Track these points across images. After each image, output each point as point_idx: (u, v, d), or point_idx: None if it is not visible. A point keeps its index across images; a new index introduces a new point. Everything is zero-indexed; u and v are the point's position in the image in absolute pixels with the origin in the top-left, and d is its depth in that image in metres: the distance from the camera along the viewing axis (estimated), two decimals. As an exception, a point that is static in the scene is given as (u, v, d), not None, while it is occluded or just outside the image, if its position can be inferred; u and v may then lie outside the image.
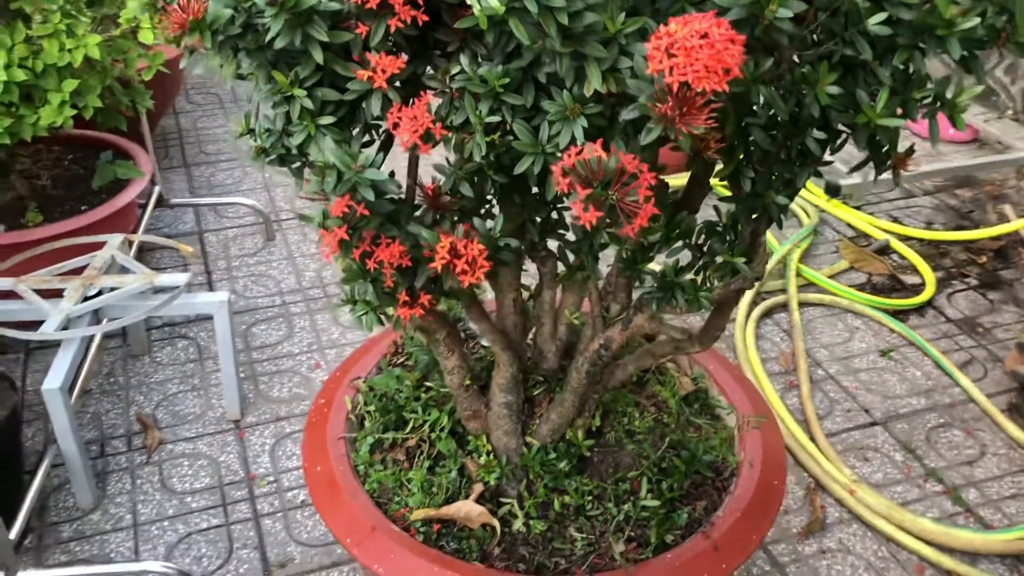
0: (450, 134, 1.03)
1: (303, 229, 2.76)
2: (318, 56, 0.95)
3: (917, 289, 2.52)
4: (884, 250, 2.68)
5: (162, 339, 2.30)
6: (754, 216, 1.23)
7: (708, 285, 1.26)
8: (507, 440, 1.45)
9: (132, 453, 1.97)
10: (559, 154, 0.92)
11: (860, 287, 2.51)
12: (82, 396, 2.10)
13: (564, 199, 1.36)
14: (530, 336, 1.54)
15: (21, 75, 1.90)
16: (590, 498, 1.41)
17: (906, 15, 0.88)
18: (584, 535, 1.38)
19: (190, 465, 1.95)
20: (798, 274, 2.53)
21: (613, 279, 1.39)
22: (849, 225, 2.81)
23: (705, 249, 1.27)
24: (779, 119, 1.06)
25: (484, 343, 1.70)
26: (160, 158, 3.12)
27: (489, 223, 1.10)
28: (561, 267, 1.41)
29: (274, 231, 2.74)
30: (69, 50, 1.94)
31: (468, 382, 1.42)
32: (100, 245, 1.99)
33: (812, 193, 2.91)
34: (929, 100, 0.98)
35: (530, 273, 1.41)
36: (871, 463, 1.97)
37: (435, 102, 1.00)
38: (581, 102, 0.94)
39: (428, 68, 1.07)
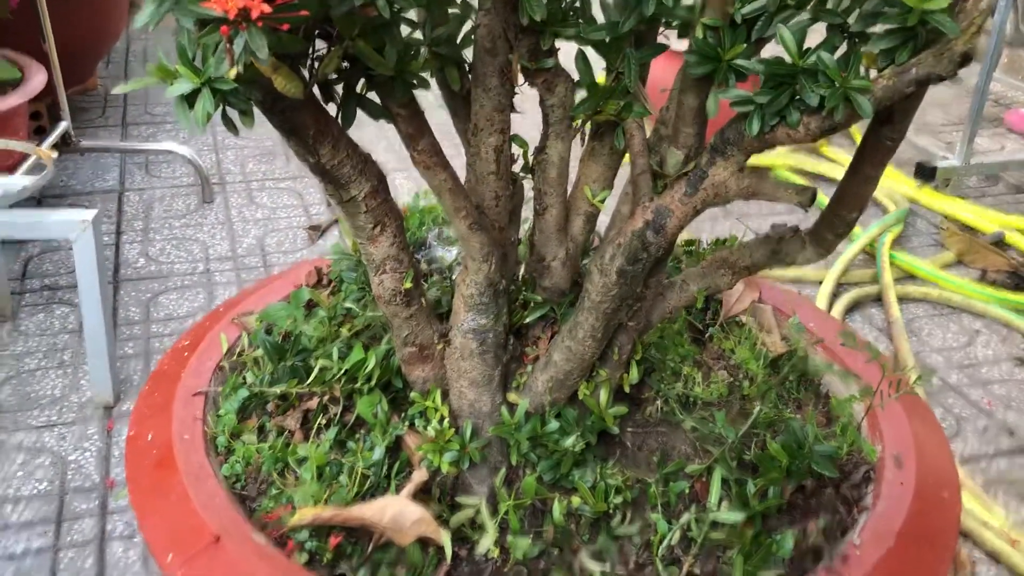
0: None
1: (250, 192, 2.17)
2: None
3: (1050, 289, 1.90)
4: (999, 243, 2.06)
5: (35, 304, 1.70)
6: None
7: (863, 73, 0.66)
8: (475, 397, 0.83)
9: (-56, 444, 1.35)
10: None
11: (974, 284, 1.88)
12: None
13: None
14: (523, 232, 0.93)
15: None
16: (619, 501, 0.78)
17: None
18: (607, 568, 0.74)
19: (24, 463, 1.33)
20: (893, 263, 1.91)
21: (671, 109, 0.79)
22: (946, 217, 2.20)
23: (855, 16, 0.67)
24: None
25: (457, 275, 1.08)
26: (92, 117, 2.56)
27: None
28: (580, 95, 0.82)
29: (213, 193, 2.15)
30: None
31: (409, 285, 0.80)
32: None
33: (898, 180, 2.31)
34: None
35: (526, 116, 0.82)
36: (1032, 503, 1.32)
37: None
38: None
39: None
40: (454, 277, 1.07)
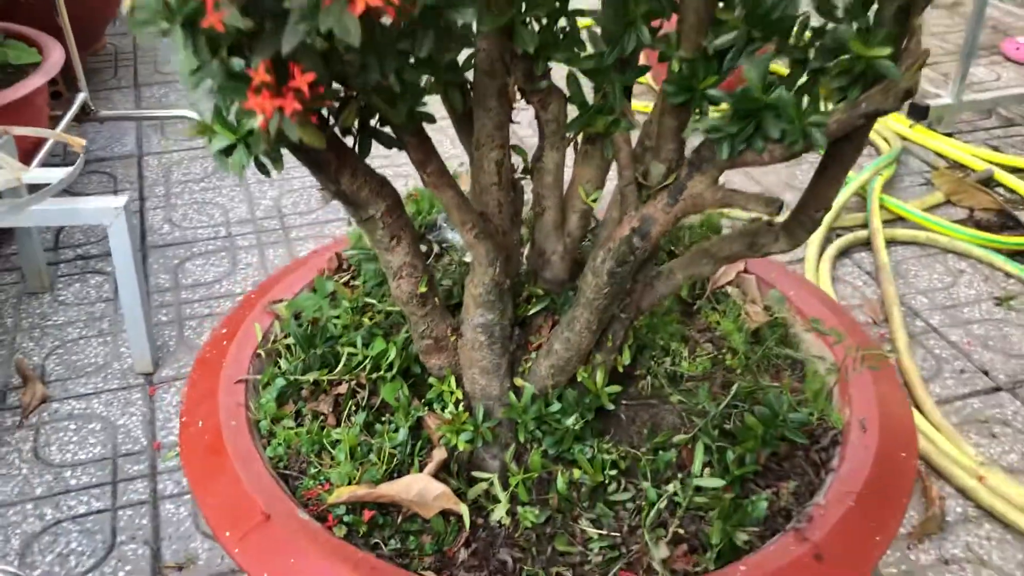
0: None
1: (264, 152, 2.26)
2: None
3: (1033, 227, 1.98)
4: (988, 182, 2.13)
5: (70, 274, 1.81)
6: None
7: (820, 108, 0.74)
8: (486, 383, 0.93)
9: (2, 413, 1.48)
10: None
11: (960, 223, 1.96)
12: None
13: (577, -11, 0.85)
14: (525, 231, 1.02)
15: None
16: (614, 472, 0.90)
17: None
18: (604, 532, 0.86)
19: (77, 430, 1.46)
20: (882, 206, 1.99)
21: (654, 125, 0.87)
22: (939, 155, 2.27)
23: (815, 48, 0.75)
24: None
25: (466, 257, 1.19)
26: (105, 77, 2.63)
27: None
28: (573, 112, 0.90)
29: (229, 154, 2.23)
30: None
31: (424, 289, 0.91)
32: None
33: (892, 119, 2.37)
34: None
35: (523, 128, 0.90)
36: (1000, 440, 1.44)
37: None
38: None
39: None
40: (463, 258, 1.17)
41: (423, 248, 1.18)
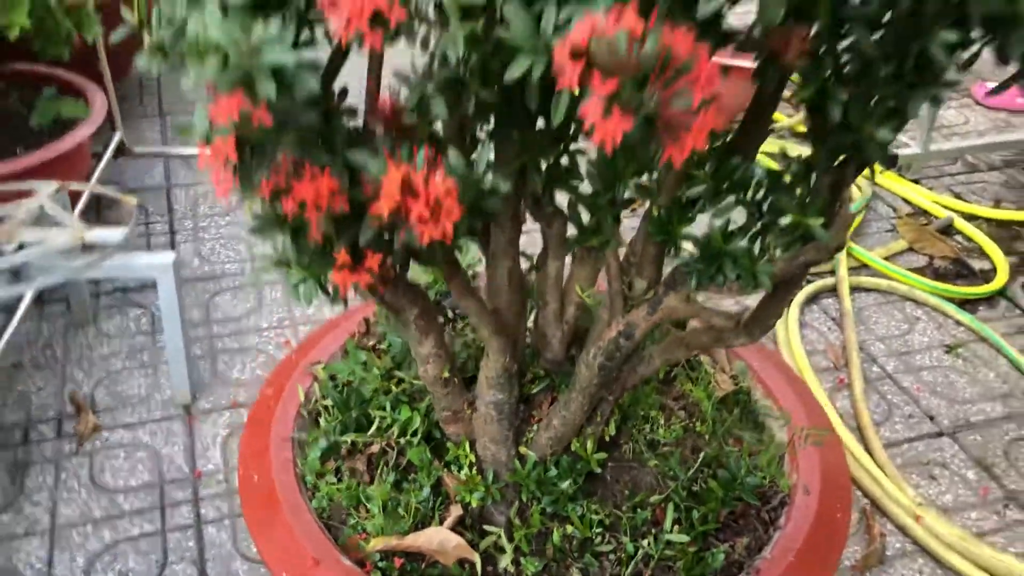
0: (415, 21, 0.71)
1: (284, 187, 2.44)
2: None
3: (987, 275, 2.18)
4: (947, 230, 2.33)
5: (111, 307, 1.99)
6: (838, 160, 0.90)
7: (768, 256, 0.93)
8: (495, 450, 1.13)
9: (60, 441, 1.66)
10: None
11: (920, 271, 2.16)
12: (9, 370, 1.80)
13: (577, 138, 1.04)
14: (530, 320, 1.21)
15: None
16: (600, 529, 1.09)
17: None
18: (590, 579, 1.06)
19: (127, 457, 1.65)
20: (849, 254, 2.19)
21: (638, 247, 1.06)
22: (905, 201, 2.46)
23: (766, 207, 0.94)
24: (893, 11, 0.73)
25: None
26: (132, 105, 2.80)
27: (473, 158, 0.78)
28: (572, 230, 1.09)
29: (251, 189, 2.41)
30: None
31: (447, 374, 1.10)
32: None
33: (863, 164, 2.56)
34: None
35: (531, 236, 1.09)
36: (939, 482, 1.64)
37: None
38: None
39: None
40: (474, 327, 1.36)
41: (439, 318, 1.37)
